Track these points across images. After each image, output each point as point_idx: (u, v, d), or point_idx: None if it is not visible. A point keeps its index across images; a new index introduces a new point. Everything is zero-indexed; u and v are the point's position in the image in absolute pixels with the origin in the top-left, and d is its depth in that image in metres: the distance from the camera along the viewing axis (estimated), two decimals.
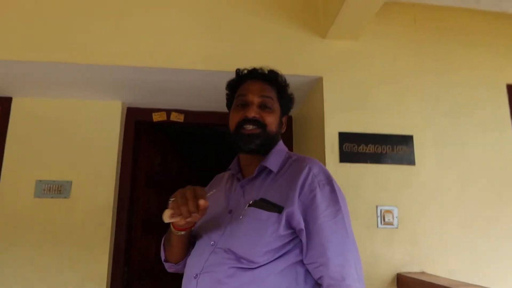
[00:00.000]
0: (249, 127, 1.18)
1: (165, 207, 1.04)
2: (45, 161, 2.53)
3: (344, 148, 2.11)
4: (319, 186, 1.08)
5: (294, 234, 1.07)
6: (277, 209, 1.07)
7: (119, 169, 2.66)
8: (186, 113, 2.83)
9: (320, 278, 1.02)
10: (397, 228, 2.05)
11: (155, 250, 2.92)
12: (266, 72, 1.28)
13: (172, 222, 1.12)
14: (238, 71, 1.32)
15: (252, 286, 1.01)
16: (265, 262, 1.03)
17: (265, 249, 1.03)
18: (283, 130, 1.31)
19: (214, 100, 2.59)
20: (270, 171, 1.18)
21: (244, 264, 1.03)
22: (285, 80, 1.30)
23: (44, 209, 2.46)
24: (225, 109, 1.33)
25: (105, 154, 2.60)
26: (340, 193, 1.12)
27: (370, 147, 2.13)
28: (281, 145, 1.26)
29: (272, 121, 1.21)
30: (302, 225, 1.05)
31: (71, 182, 2.52)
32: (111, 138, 2.63)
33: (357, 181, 2.09)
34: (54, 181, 2.51)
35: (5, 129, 2.55)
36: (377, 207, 2.07)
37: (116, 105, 2.67)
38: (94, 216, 2.50)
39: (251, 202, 1.12)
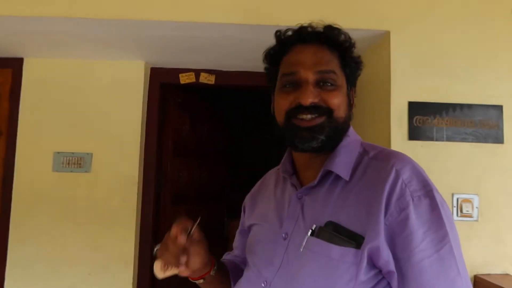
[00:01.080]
0: (307, 117, 0.81)
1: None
2: (62, 131, 2.26)
3: (415, 122, 1.71)
4: (412, 201, 0.72)
5: (380, 275, 0.74)
6: (355, 241, 0.73)
7: (144, 138, 2.37)
8: (217, 73, 2.46)
9: None
10: (477, 221, 1.68)
11: None
12: (322, 30, 0.86)
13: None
14: (279, 35, 0.90)
15: None
16: None
17: None
18: (352, 110, 0.90)
19: (251, 59, 2.19)
20: (339, 177, 0.81)
21: None
22: (349, 39, 0.88)
23: (63, 184, 2.22)
24: (262, 69, 0.95)
25: (128, 122, 2.30)
26: (445, 207, 0.75)
27: (447, 120, 1.71)
28: (352, 136, 0.87)
29: (339, 102, 0.82)
30: (392, 266, 0.71)
31: (91, 154, 2.25)
32: (134, 104, 2.31)
33: (429, 163, 1.70)
34: (73, 153, 2.24)
35: (17, 94, 2.27)
36: (453, 195, 1.69)
37: (139, 66, 2.33)
38: (118, 191, 2.25)
39: (314, 227, 0.78)
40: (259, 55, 0.94)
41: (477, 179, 1.70)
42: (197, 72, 2.45)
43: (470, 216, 1.68)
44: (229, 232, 3.17)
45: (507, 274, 1.66)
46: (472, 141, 1.71)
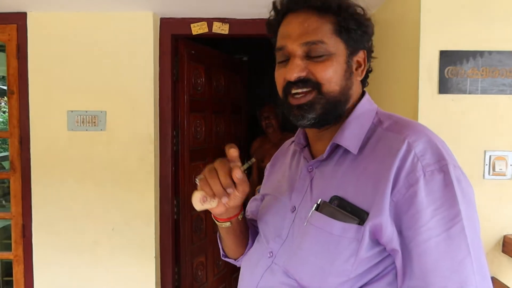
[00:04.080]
0: (297, 93, 0.77)
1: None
2: (73, 89, 2.20)
3: (446, 74, 1.55)
4: (424, 176, 0.67)
5: (384, 252, 0.71)
6: (358, 217, 0.70)
7: (158, 94, 2.29)
8: (231, 22, 2.30)
9: None
10: (510, 179, 1.58)
11: None
12: None
13: (212, 211, 0.85)
14: (274, 2, 0.83)
15: None
16: None
17: (340, 279, 0.71)
18: (360, 77, 0.82)
19: (267, 5, 2.01)
20: (347, 151, 0.77)
21: None
22: (348, 4, 0.78)
23: (79, 144, 2.20)
24: None
25: (141, 77, 2.21)
26: (463, 184, 0.68)
27: (484, 71, 1.55)
28: (364, 106, 0.81)
29: (330, 75, 0.76)
30: (397, 244, 0.68)
31: (105, 112, 2.20)
32: (145, 58, 2.21)
33: (460, 118, 1.57)
34: (86, 111, 2.20)
35: (25, 51, 2.20)
36: (485, 152, 1.58)
37: (147, 17, 2.19)
38: (135, 149, 2.22)
39: (319, 202, 0.76)
40: None
41: None
42: (210, 22, 2.30)
43: (503, 175, 1.57)
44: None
45: None
46: (511, 93, 1.56)
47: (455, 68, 1.55)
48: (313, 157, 0.85)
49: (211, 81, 2.79)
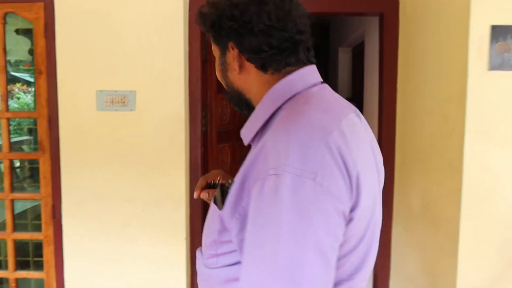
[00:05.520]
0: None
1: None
2: (102, 68, 2.16)
3: (497, 50, 1.51)
4: (259, 180, 0.65)
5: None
6: (221, 204, 0.74)
7: (188, 74, 2.25)
8: None
9: None
10: None
11: (230, 162, 2.66)
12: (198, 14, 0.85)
13: None
14: None
15: None
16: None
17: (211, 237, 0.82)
18: (237, 70, 0.80)
19: None
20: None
21: None
22: (215, 11, 0.79)
23: (108, 124, 2.17)
24: None
25: (170, 56, 2.17)
26: (300, 195, 0.61)
27: None
28: (270, 95, 0.77)
29: (218, 77, 0.88)
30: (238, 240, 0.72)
31: (134, 92, 2.16)
32: (175, 36, 2.16)
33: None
34: (115, 91, 2.16)
35: (52, 30, 2.15)
36: None
37: None
38: (165, 130, 2.19)
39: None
40: None
41: None
42: None
43: None
44: None
45: None
46: None
47: (507, 44, 1.51)
48: None
49: None
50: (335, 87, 4.00)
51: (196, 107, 2.27)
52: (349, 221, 0.66)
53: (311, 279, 0.60)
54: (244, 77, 0.80)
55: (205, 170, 2.37)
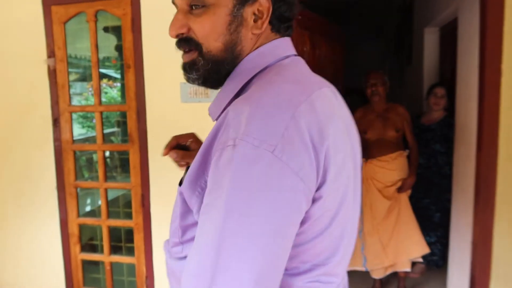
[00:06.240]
0: (181, 52, 0.76)
1: None
2: None
3: None
4: (218, 151, 0.61)
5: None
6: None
7: None
8: None
9: None
10: None
11: None
12: None
13: None
14: None
15: None
16: None
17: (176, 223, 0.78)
18: (259, 31, 0.72)
19: None
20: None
21: None
22: None
23: (193, 115, 2.20)
24: None
25: None
26: (254, 168, 0.57)
27: None
28: (245, 64, 0.72)
29: (206, 31, 0.71)
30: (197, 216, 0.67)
31: None
32: None
33: None
34: None
35: (139, 25, 2.22)
36: None
37: None
38: None
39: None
40: None
41: None
42: None
43: None
44: None
45: None
46: None
47: None
48: None
49: (315, 50, 2.64)
50: (420, 71, 3.71)
51: None
52: (317, 199, 0.63)
53: (250, 266, 0.57)
54: (259, 38, 0.73)
55: None
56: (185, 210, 0.71)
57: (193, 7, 0.70)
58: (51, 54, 2.32)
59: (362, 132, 2.90)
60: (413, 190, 2.82)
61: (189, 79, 0.75)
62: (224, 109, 0.71)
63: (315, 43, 2.61)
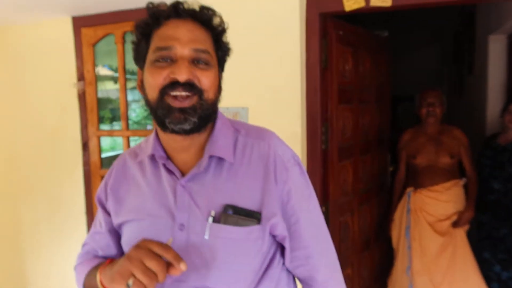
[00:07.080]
0: (181, 94, 0.80)
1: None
2: None
3: None
4: (288, 171, 0.88)
5: (274, 241, 0.91)
6: (254, 218, 0.84)
7: (305, 85, 1.98)
8: None
9: (307, 277, 0.94)
10: None
11: (351, 181, 2.32)
12: (198, 9, 0.86)
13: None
14: (151, 7, 0.85)
15: None
16: None
17: (250, 277, 0.86)
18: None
19: None
20: (221, 160, 0.88)
21: None
22: (223, 23, 0.89)
23: None
24: None
25: (284, 66, 1.93)
26: (305, 173, 0.97)
27: None
28: (222, 118, 0.93)
29: (211, 83, 0.84)
30: (284, 230, 0.88)
31: (247, 108, 1.98)
32: (290, 43, 1.92)
33: None
34: (227, 108, 2.01)
35: None
36: None
37: None
38: None
39: (213, 214, 0.84)
40: None
41: None
42: None
43: None
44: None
45: None
46: None
47: None
48: (181, 172, 0.89)
49: (358, 66, 2.38)
50: (483, 82, 3.31)
51: (314, 123, 1.99)
52: None
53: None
54: None
55: (325, 192, 2.09)
56: (263, 249, 0.87)
57: (198, 62, 0.83)
58: (80, 77, 2.26)
59: (410, 156, 2.60)
60: (489, 219, 2.47)
61: (186, 120, 0.81)
62: (233, 150, 0.88)
63: (358, 59, 2.35)
